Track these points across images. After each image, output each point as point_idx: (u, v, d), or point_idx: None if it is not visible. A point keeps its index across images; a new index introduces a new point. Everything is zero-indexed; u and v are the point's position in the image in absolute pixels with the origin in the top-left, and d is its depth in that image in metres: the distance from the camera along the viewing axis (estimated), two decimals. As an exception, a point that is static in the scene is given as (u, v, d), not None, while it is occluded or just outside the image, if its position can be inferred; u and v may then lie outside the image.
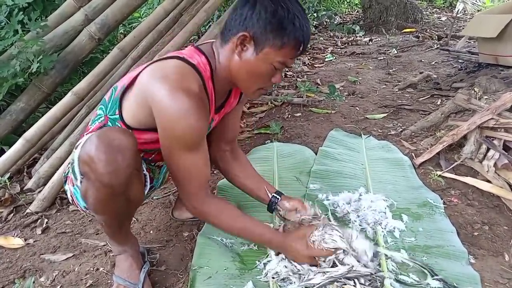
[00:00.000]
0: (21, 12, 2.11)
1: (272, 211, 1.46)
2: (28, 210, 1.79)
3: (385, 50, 4.58)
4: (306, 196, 1.74)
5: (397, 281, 1.24)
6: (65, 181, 1.29)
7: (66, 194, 1.31)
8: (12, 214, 1.80)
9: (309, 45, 4.67)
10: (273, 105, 2.76)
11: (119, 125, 1.17)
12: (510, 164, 1.84)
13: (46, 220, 1.73)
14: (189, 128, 1.06)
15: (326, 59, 4.31)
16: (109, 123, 1.19)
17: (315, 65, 4.08)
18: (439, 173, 1.94)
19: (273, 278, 1.24)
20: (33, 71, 2.05)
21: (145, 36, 2.22)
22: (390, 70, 3.71)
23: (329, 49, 4.84)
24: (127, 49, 2.20)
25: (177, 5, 2.25)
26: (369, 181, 1.86)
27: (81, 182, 1.13)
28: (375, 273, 1.22)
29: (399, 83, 3.35)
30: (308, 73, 3.73)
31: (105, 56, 2.73)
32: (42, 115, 2.15)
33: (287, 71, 3.76)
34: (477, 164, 1.97)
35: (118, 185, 1.05)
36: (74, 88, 2.07)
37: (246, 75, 1.15)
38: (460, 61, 3.79)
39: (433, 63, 3.86)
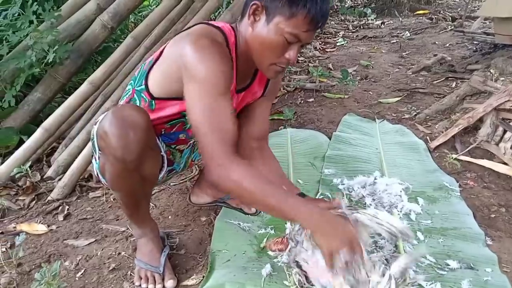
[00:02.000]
0: (35, 3, 2.13)
1: None
2: (49, 198, 1.84)
3: (398, 33, 4.51)
4: (321, 181, 1.76)
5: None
6: (92, 159, 1.32)
7: (92, 174, 1.34)
8: (34, 202, 1.85)
9: (320, 30, 4.64)
10: (286, 91, 2.76)
11: (144, 96, 1.20)
12: (527, 146, 1.83)
13: (67, 207, 1.78)
14: (212, 69, 1.04)
15: (338, 44, 4.26)
16: (135, 96, 1.22)
17: (326, 49, 4.05)
18: (454, 156, 1.93)
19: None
20: (49, 62, 2.08)
21: (158, 24, 2.23)
22: (403, 53, 3.66)
23: (340, 33, 4.79)
24: (140, 37, 2.21)
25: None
26: (384, 165, 1.86)
27: (99, 157, 1.18)
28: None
29: (413, 66, 3.31)
30: (319, 58, 3.70)
31: (118, 45, 2.76)
32: (58, 105, 2.19)
33: (299, 56, 3.74)
34: (493, 147, 1.95)
35: (130, 160, 1.08)
36: (89, 77, 2.10)
37: (259, 47, 1.12)
38: (475, 42, 3.72)
39: (447, 45, 3.80)
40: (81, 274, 1.36)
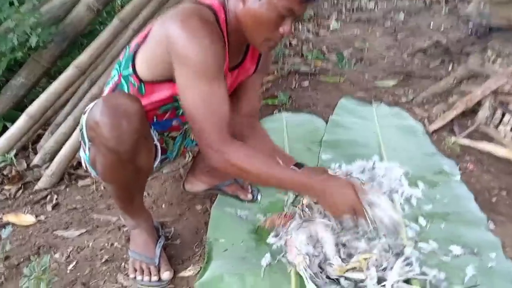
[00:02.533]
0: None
1: None
2: (36, 187, 1.76)
3: (392, 16, 4.43)
4: (319, 165, 1.71)
5: (417, 249, 1.22)
6: (80, 148, 1.25)
7: (81, 162, 1.27)
8: (20, 191, 1.77)
9: (312, 13, 4.54)
10: (280, 75, 2.69)
11: (132, 80, 1.13)
12: (527, 128, 1.80)
13: (55, 196, 1.71)
14: (204, 51, 0.98)
15: (331, 27, 4.17)
16: (122, 81, 1.15)
17: (320, 33, 3.96)
18: (454, 139, 1.89)
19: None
20: (32, 46, 1.98)
21: (146, 5, 2.13)
22: (398, 36, 3.60)
23: (333, 15, 4.68)
24: (127, 19, 2.11)
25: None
26: (382, 149, 1.82)
27: (89, 148, 1.12)
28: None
29: (408, 49, 3.25)
30: (313, 41, 3.62)
31: (104, 28, 2.65)
32: (43, 90, 2.10)
33: (291, 39, 3.65)
34: (492, 130, 1.93)
35: (124, 151, 1.02)
36: (75, 61, 2.00)
37: (251, 23, 1.06)
38: (470, 25, 3.66)
39: (442, 28, 3.74)
40: (73, 266, 1.31)
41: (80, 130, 1.16)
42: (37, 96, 2.05)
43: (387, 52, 3.22)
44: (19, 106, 2.32)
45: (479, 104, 2.11)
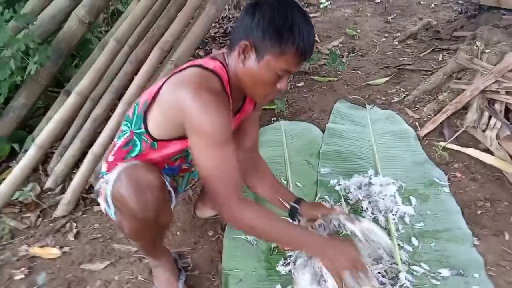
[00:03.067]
0: (7, 11, 2.00)
1: (293, 219, 1.47)
2: (54, 215, 1.87)
3: (382, -11, 4.39)
4: (318, 182, 1.83)
5: (410, 272, 1.37)
6: (97, 196, 1.36)
7: (100, 205, 1.38)
8: (40, 219, 1.88)
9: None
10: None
11: (145, 138, 1.22)
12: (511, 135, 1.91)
13: (74, 224, 1.82)
14: (214, 121, 1.07)
15: (321, 6, 4.14)
16: (135, 138, 1.23)
17: (310, 14, 3.93)
18: (442, 144, 2.01)
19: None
20: (32, 73, 2.01)
21: (140, 22, 2.14)
22: (389, 18, 3.61)
23: (323, -9, 4.62)
24: (124, 39, 2.13)
25: (169, -16, 2.14)
26: (377, 161, 1.94)
27: (115, 212, 1.23)
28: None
29: (399, 34, 3.29)
30: (304, 26, 3.62)
31: (95, 37, 2.65)
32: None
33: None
34: (479, 133, 2.04)
35: (149, 218, 1.15)
36: (76, 88, 2.04)
37: (251, 82, 1.16)
38: (460, 2, 3.68)
39: (432, 5, 3.75)
40: (104, 301, 1.45)
41: (102, 184, 1.28)
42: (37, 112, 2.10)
43: (379, 38, 3.26)
44: (22, 125, 2.39)
45: (468, 103, 2.21)
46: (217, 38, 3.19)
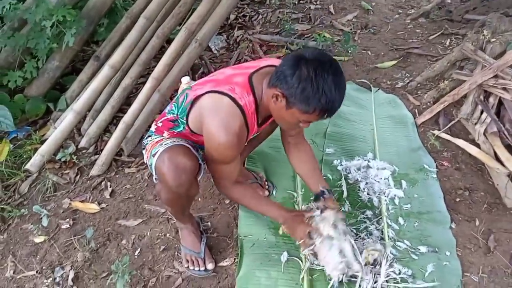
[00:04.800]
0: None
1: (316, 200, 1.66)
2: (91, 174, 2.15)
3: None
4: (323, 161, 2.09)
5: (395, 247, 1.67)
6: (143, 148, 1.62)
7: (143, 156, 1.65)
8: (78, 176, 2.17)
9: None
10: (290, 51, 2.88)
11: (186, 127, 1.50)
12: (498, 131, 2.13)
13: (109, 183, 2.11)
14: (223, 154, 1.41)
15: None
16: (179, 121, 1.51)
17: (328, -20, 3.95)
18: (435, 132, 2.24)
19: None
20: (70, 44, 2.18)
21: (168, 0, 2.27)
22: (405, -9, 3.65)
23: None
24: (153, 16, 2.27)
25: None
26: (376, 145, 2.19)
27: (155, 179, 1.56)
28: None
29: (413, 10, 3.37)
30: (320, -3, 3.67)
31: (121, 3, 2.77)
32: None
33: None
34: (470, 126, 2.26)
35: (182, 192, 1.45)
36: (109, 61, 2.22)
37: (279, 118, 1.42)
38: (477, -21, 3.68)
39: (449, -21, 3.76)
40: (138, 252, 1.77)
41: (150, 166, 1.53)
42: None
43: (392, 15, 3.34)
44: (55, 85, 2.61)
45: (465, 95, 2.41)
46: (236, 25, 3.28)
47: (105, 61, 2.42)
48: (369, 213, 1.82)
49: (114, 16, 2.63)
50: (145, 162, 1.65)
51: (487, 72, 2.34)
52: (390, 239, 1.71)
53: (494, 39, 2.68)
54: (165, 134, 1.57)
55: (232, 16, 3.37)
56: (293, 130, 1.56)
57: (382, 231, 1.75)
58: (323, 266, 1.53)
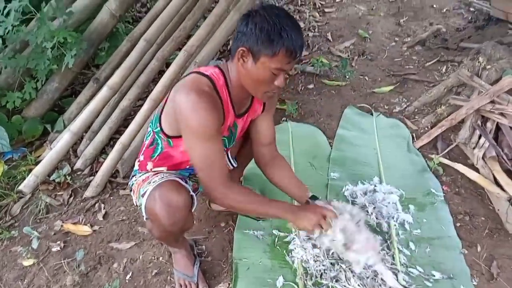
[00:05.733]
0: (49, 3, 2.17)
1: None
2: (85, 195, 2.12)
3: (398, -13, 4.46)
4: (329, 186, 2.06)
5: (407, 273, 1.62)
6: (130, 190, 1.59)
7: (132, 197, 1.63)
8: (72, 198, 2.14)
9: None
10: (288, 75, 2.91)
11: (162, 136, 1.44)
12: (497, 155, 2.12)
13: (103, 205, 2.07)
14: (201, 119, 1.26)
15: (337, 0, 4.24)
16: (156, 137, 1.46)
17: (325, 9, 4.05)
18: (435, 157, 2.22)
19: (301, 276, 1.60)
20: (70, 66, 2.20)
21: (168, 23, 2.31)
22: (401, 20, 3.73)
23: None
24: (153, 39, 2.31)
25: (197, -12, 2.29)
26: (381, 168, 2.17)
27: (146, 218, 1.48)
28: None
29: (409, 38, 3.43)
30: (318, 22, 3.75)
31: (122, 28, 2.82)
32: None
33: (298, 20, 3.78)
34: (469, 151, 2.25)
35: (176, 230, 1.43)
36: (108, 82, 2.24)
37: (251, 82, 1.35)
38: (471, 9, 3.78)
39: (444, 10, 3.85)
40: (130, 277, 1.71)
41: (139, 206, 1.49)
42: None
43: (389, 42, 3.40)
44: (53, 106, 2.62)
45: (463, 120, 2.41)
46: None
47: (104, 83, 2.44)
48: (378, 238, 1.75)
49: (115, 40, 2.67)
50: (134, 203, 1.59)
51: (484, 98, 2.36)
52: (402, 265, 1.66)
53: (489, 66, 2.71)
54: (149, 165, 1.52)
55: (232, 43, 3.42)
56: (270, 92, 1.38)
57: (393, 257, 1.70)
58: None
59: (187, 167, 1.55)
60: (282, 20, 1.24)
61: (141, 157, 1.55)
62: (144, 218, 1.48)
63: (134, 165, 1.63)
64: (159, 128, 1.43)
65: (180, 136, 1.40)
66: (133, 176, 1.59)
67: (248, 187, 1.63)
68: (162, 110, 1.42)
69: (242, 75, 1.33)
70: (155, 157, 1.50)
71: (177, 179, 1.43)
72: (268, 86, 1.33)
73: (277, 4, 3.98)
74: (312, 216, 1.39)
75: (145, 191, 1.41)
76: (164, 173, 1.49)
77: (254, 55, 1.27)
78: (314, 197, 1.59)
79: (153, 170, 1.52)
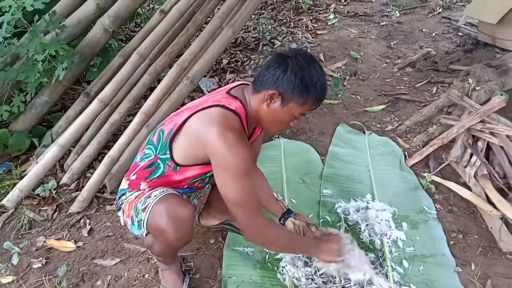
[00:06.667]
0: (41, 17, 2.17)
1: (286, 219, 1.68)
2: (70, 211, 2.05)
3: (388, 12, 4.58)
4: (321, 202, 2.02)
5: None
6: (118, 209, 1.54)
7: (119, 218, 1.56)
8: (56, 213, 2.07)
9: (311, 2, 4.64)
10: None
11: (169, 163, 1.40)
12: (488, 174, 2.12)
13: (88, 221, 2.01)
14: (239, 158, 1.27)
15: (329, 23, 4.32)
16: (159, 161, 1.41)
17: (317, 31, 4.12)
18: (428, 175, 2.20)
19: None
20: (60, 79, 2.18)
21: (162, 38, 2.31)
22: (392, 43, 3.80)
23: (331, 7, 4.80)
24: (146, 53, 2.30)
25: (191, 5, 2.31)
26: (373, 186, 2.14)
27: (142, 233, 1.43)
28: None
29: (399, 60, 3.49)
30: (311, 44, 3.80)
31: (114, 45, 2.82)
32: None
33: (290, 41, 3.84)
34: (461, 169, 2.24)
35: (182, 244, 1.43)
36: (99, 95, 2.22)
37: (271, 121, 1.40)
38: (460, 34, 3.87)
39: (433, 34, 3.94)
40: (113, 295, 1.64)
41: (118, 206, 1.48)
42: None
43: (380, 63, 3.45)
44: (43, 121, 2.58)
45: (454, 139, 2.42)
46: (228, 69, 3.36)
47: (95, 98, 2.41)
48: (371, 255, 1.72)
49: (107, 56, 2.67)
50: (122, 223, 1.55)
51: (474, 117, 2.37)
52: (396, 283, 1.61)
53: (478, 87, 2.75)
54: (143, 185, 1.46)
55: (225, 61, 3.45)
56: (279, 132, 1.50)
57: (386, 275, 1.65)
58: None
59: (185, 186, 1.51)
60: (317, 71, 1.31)
61: (133, 177, 1.49)
62: (143, 234, 1.43)
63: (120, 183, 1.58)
64: (168, 156, 1.39)
65: (192, 165, 1.41)
66: (122, 195, 1.54)
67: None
68: (173, 138, 1.38)
69: (263, 112, 1.36)
70: (151, 178, 1.45)
71: (176, 192, 1.43)
72: (285, 126, 1.42)
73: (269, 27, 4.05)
74: (333, 246, 1.51)
75: (146, 206, 1.37)
76: (161, 187, 1.44)
77: (284, 100, 1.31)
78: (289, 211, 1.68)
79: (147, 189, 1.46)
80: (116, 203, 1.56)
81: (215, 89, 1.78)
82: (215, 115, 1.31)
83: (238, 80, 1.62)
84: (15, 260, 1.77)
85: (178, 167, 1.41)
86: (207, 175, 1.47)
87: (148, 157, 1.44)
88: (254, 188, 1.40)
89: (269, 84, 1.31)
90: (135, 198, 1.44)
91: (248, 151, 1.31)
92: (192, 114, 1.35)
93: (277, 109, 1.33)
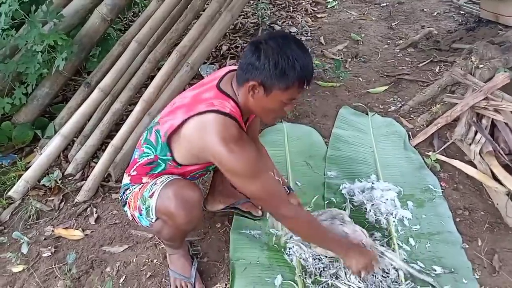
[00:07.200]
0: (38, 8, 2.15)
1: None
2: (76, 200, 2.07)
3: (388, -8, 4.51)
4: (326, 184, 2.02)
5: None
6: (124, 204, 1.55)
7: (126, 213, 1.57)
8: (63, 203, 2.08)
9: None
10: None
11: (171, 163, 1.40)
12: (493, 150, 2.11)
13: (95, 209, 2.02)
14: (245, 162, 1.27)
15: (329, 6, 4.27)
16: (160, 161, 1.41)
17: (317, 15, 4.07)
18: (432, 154, 2.19)
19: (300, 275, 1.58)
20: (60, 68, 2.17)
21: (160, 25, 2.29)
22: (393, 24, 3.75)
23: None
24: (144, 41, 2.28)
25: (189, -10, 2.28)
26: (378, 166, 2.14)
27: (150, 221, 1.44)
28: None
29: (401, 41, 3.45)
30: (311, 27, 3.76)
31: (114, 32, 2.80)
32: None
33: (290, 25, 3.80)
34: (465, 147, 2.23)
35: (191, 227, 1.44)
36: (100, 84, 2.21)
37: (262, 111, 1.34)
38: (461, 12, 3.82)
39: (434, 13, 3.89)
40: (123, 280, 1.66)
41: (123, 201, 1.49)
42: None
43: (381, 45, 3.41)
44: (44, 112, 2.57)
45: (458, 117, 2.40)
46: (228, 55, 3.33)
47: (95, 87, 2.40)
48: (377, 234, 1.74)
49: (106, 45, 2.65)
50: (129, 217, 1.55)
51: (478, 95, 2.35)
52: (403, 260, 1.62)
53: (482, 65, 2.71)
54: (145, 179, 1.46)
55: (225, 47, 3.42)
56: (276, 119, 1.44)
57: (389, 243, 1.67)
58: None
59: (187, 177, 1.50)
60: (293, 51, 1.22)
61: (133, 172, 1.49)
62: (152, 221, 1.43)
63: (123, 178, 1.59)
64: (169, 157, 1.39)
65: (193, 164, 1.41)
66: (126, 190, 1.54)
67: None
68: (170, 139, 1.35)
69: (251, 104, 1.32)
70: (152, 173, 1.45)
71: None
72: (277, 113, 1.36)
73: (269, 12, 4.00)
74: (361, 259, 1.46)
75: (153, 192, 1.37)
76: (165, 175, 1.44)
77: (266, 88, 1.25)
78: (289, 189, 1.72)
79: (150, 180, 1.46)
80: (121, 198, 1.57)
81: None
82: (212, 124, 1.26)
83: (229, 66, 1.57)
84: (24, 249, 1.79)
85: (180, 165, 1.41)
86: (210, 168, 1.49)
87: (147, 155, 1.44)
88: (273, 179, 1.40)
89: (248, 75, 1.26)
90: (139, 189, 1.45)
91: (252, 150, 1.32)
92: (188, 118, 1.30)
93: (262, 99, 1.27)
